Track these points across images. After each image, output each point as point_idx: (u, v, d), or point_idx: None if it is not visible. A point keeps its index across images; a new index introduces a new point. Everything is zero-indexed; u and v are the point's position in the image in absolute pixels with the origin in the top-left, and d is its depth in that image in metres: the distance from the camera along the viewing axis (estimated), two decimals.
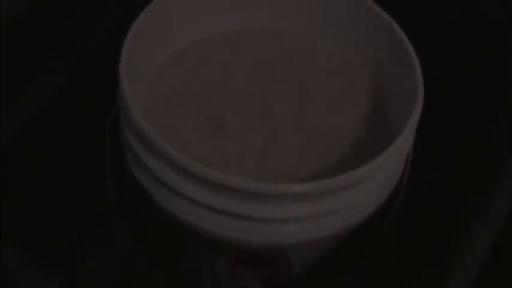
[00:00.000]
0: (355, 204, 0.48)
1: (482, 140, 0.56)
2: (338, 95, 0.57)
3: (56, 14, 0.56)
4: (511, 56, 0.59)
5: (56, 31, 0.56)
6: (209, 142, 0.52)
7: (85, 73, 0.56)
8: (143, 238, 0.51)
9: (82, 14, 0.58)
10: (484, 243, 0.46)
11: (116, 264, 0.49)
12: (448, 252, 0.47)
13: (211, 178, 0.44)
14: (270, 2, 0.59)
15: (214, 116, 0.54)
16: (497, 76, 0.59)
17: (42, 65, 0.56)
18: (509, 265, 0.47)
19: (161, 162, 0.46)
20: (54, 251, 0.48)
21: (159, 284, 0.49)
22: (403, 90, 0.52)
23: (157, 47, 0.55)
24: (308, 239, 0.48)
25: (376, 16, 0.56)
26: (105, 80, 0.49)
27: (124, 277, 0.48)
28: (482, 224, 0.46)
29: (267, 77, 0.56)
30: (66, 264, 0.47)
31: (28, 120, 0.55)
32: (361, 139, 0.54)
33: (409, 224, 0.51)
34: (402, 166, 0.51)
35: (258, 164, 0.51)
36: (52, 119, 0.55)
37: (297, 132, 0.52)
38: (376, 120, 0.55)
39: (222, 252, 0.49)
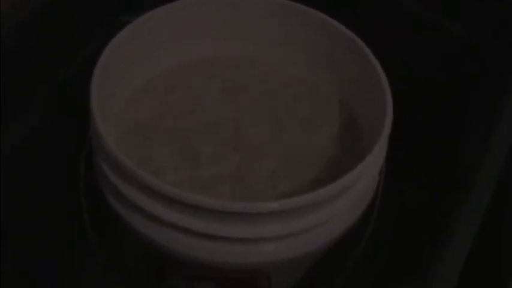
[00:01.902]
0: (332, 220, 0.48)
1: (453, 149, 0.56)
2: (310, 116, 0.57)
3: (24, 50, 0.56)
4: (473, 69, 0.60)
5: (26, 65, 0.56)
6: (183, 170, 0.52)
7: (57, 107, 0.56)
8: (124, 266, 0.51)
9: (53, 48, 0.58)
10: (462, 251, 0.46)
11: None
12: (427, 263, 0.47)
13: (186, 200, 0.44)
14: (240, 30, 0.59)
15: (187, 144, 0.54)
16: (463, 87, 0.60)
17: (14, 103, 0.56)
18: (487, 268, 0.48)
19: (136, 188, 0.46)
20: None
21: None
22: (372, 106, 0.53)
23: (127, 78, 0.56)
24: (287, 258, 0.48)
25: (342, 37, 0.56)
26: (77, 111, 0.49)
27: None
28: (459, 230, 0.46)
29: (238, 103, 0.56)
30: None
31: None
32: (335, 157, 0.54)
33: (387, 236, 0.51)
34: (376, 179, 0.51)
35: (233, 188, 0.52)
36: (24, 155, 0.54)
37: (271, 155, 0.53)
38: (349, 137, 0.56)
39: (203, 276, 0.49)
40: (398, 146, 0.49)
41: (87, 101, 0.46)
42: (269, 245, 0.47)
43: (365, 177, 0.48)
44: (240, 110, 0.56)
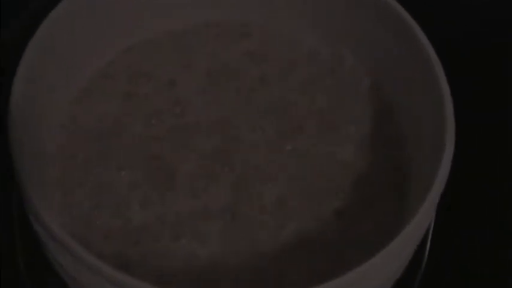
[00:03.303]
0: None
1: None
2: (329, 111, 0.42)
3: None
4: None
5: None
6: (155, 200, 0.38)
7: None
8: None
9: None
10: None
11: None
12: None
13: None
14: None
15: (158, 160, 0.40)
16: None
17: None
18: None
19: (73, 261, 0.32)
20: None
21: None
22: (421, 104, 0.39)
23: (70, 69, 0.41)
24: None
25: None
26: None
27: None
28: None
29: (229, 95, 0.42)
30: None
31: None
32: (364, 176, 0.39)
33: None
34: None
35: (224, 227, 0.38)
36: None
37: (276, 177, 0.40)
38: (383, 148, 0.41)
39: None
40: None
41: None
42: None
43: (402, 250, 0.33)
44: (232, 105, 0.42)
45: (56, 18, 0.39)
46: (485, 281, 0.41)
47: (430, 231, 0.40)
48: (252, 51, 0.44)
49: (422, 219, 0.32)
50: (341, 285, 0.31)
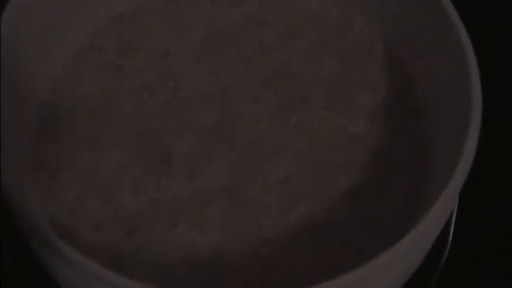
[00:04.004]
0: None
1: None
2: (339, 80, 0.38)
3: None
4: None
5: None
6: (149, 183, 0.35)
7: None
8: None
9: None
10: None
11: None
12: None
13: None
14: None
15: (151, 139, 0.36)
16: None
17: None
18: None
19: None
20: None
21: None
22: (443, 76, 0.35)
23: (55, 38, 0.38)
24: None
25: None
26: None
27: None
28: None
29: (227, 64, 0.39)
30: None
31: None
32: (378, 151, 0.36)
33: None
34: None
35: (225, 212, 0.34)
36: None
37: (280, 155, 0.36)
38: (400, 120, 0.37)
39: None
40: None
41: None
42: None
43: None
44: (230, 75, 0.38)
45: None
46: None
47: (454, 216, 0.37)
48: (251, 15, 0.40)
49: (445, 203, 0.28)
50: (356, 278, 0.27)
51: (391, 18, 0.39)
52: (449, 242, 0.37)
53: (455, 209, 0.37)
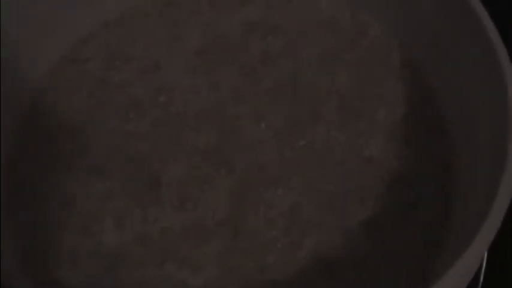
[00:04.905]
0: None
1: None
2: (353, 92, 0.34)
3: None
4: None
5: None
6: (135, 214, 0.31)
7: None
8: None
9: None
10: None
11: None
12: None
13: None
14: None
15: (138, 162, 0.32)
16: None
17: None
18: None
19: None
20: None
21: None
22: (474, 93, 0.30)
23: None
24: None
25: None
26: None
27: None
28: None
29: (224, 74, 0.34)
30: None
31: None
32: (398, 176, 0.32)
33: None
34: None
35: (223, 248, 0.30)
36: None
37: (287, 181, 0.32)
38: (422, 139, 0.33)
39: None
40: None
41: None
42: None
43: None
44: (230, 90, 0.34)
45: None
46: None
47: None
48: (254, 21, 0.36)
49: (473, 259, 0.24)
50: None
51: (409, 24, 0.35)
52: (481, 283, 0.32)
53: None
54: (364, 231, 0.30)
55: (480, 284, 0.32)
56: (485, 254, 0.33)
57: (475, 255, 0.24)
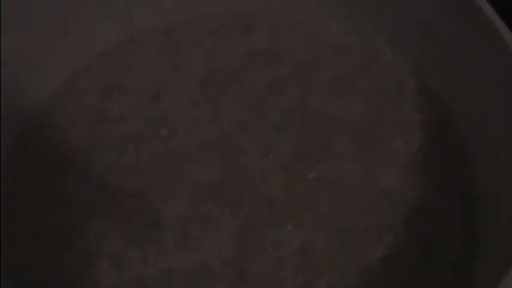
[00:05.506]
0: None
1: None
2: (366, 121, 0.32)
3: None
4: None
5: None
6: (133, 255, 0.29)
7: None
8: None
9: None
10: None
11: None
12: None
13: None
14: None
15: (137, 200, 0.30)
16: None
17: None
18: None
19: None
20: None
21: None
22: (497, 120, 0.28)
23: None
24: None
25: None
26: None
27: None
28: None
29: (229, 105, 0.32)
30: None
31: None
32: (417, 210, 0.30)
33: None
34: None
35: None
36: None
37: (297, 217, 0.30)
38: (442, 170, 0.31)
39: None
40: None
41: None
42: None
43: None
44: (235, 121, 0.32)
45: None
46: None
47: None
48: (259, 50, 0.34)
49: None
50: None
51: (423, 50, 0.33)
52: None
53: None
54: (382, 269, 0.28)
55: None
56: None
57: None
